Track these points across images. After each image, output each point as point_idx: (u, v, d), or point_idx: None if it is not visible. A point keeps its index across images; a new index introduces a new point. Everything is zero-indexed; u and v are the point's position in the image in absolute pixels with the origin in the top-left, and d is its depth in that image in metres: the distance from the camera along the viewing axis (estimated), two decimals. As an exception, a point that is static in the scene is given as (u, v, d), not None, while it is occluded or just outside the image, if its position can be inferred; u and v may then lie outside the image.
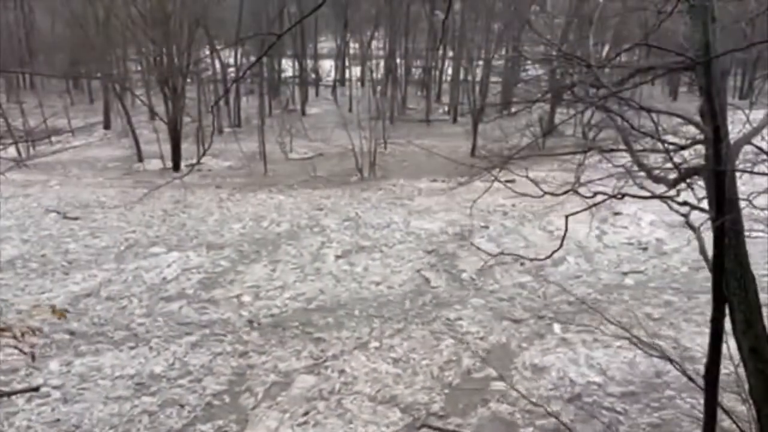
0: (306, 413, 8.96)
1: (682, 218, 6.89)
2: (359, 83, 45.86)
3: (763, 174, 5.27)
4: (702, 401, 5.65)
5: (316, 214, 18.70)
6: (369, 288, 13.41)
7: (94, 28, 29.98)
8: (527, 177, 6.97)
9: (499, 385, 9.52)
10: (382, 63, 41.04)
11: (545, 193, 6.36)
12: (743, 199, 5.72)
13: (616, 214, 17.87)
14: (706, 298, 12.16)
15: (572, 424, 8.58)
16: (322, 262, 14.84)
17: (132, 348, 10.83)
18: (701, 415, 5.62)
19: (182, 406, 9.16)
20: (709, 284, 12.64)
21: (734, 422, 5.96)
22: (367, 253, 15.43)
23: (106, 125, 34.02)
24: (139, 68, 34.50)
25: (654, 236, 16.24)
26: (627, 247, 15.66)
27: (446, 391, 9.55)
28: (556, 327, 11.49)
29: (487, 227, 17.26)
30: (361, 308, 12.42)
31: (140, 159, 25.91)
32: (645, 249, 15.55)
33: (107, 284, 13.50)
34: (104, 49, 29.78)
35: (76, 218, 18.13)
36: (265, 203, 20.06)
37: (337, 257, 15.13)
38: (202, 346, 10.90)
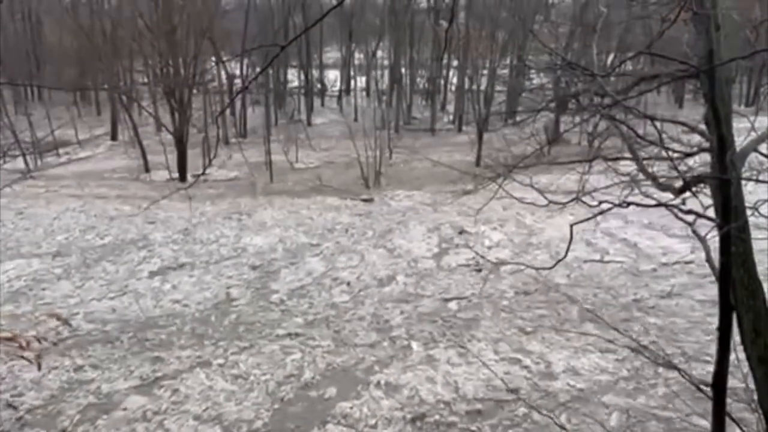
0: None
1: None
2: (364, 93, 46.08)
3: (769, 182, 5.24)
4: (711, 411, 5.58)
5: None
6: (163, 306, 12.61)
7: (101, 40, 30.29)
8: (531, 185, 6.95)
9: (344, 405, 9.07)
10: (387, 73, 41.27)
11: (550, 201, 6.34)
12: (749, 207, 5.68)
13: (461, 232, 16.67)
14: (515, 331, 11.18)
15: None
16: (136, 278, 14.11)
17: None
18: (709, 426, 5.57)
19: None
20: (540, 314, 11.80)
21: (743, 432, 5.89)
22: (188, 268, 14.65)
23: (113, 136, 34.27)
24: (146, 80, 34.81)
25: (495, 256, 14.66)
26: (462, 270, 14.20)
27: (276, 406, 9.06)
28: (414, 344, 10.82)
29: (318, 245, 16.19)
30: (141, 330, 11.55)
31: (147, 170, 26.06)
32: (479, 271, 14.01)
33: None
34: (111, 61, 30.06)
35: None
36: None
37: (153, 273, 14.47)
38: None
